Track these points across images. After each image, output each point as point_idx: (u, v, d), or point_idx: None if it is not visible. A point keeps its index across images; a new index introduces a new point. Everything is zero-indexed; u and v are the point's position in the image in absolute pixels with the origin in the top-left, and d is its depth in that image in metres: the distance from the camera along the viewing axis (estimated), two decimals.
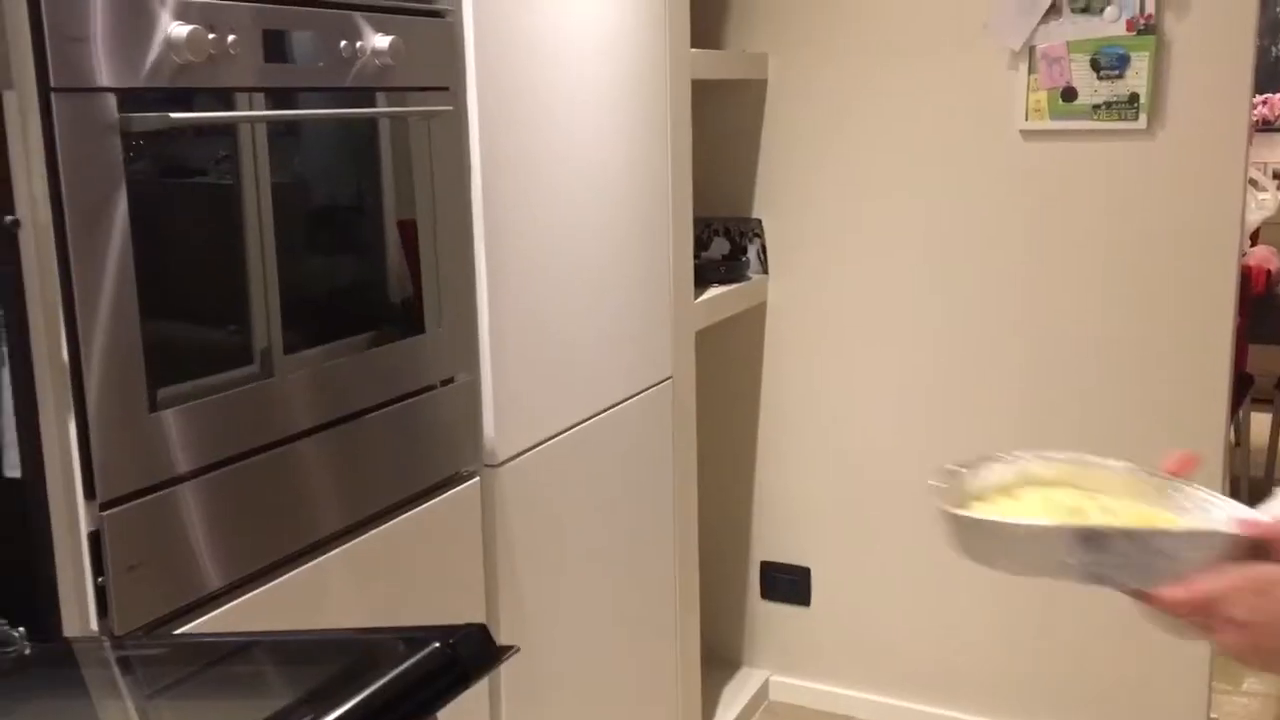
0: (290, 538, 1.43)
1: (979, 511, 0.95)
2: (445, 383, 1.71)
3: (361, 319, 1.58)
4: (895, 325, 2.67)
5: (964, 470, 1.01)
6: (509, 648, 0.92)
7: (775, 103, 2.70)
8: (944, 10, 2.51)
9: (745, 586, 2.95)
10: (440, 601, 1.71)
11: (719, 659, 2.96)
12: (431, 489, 1.69)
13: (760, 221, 2.76)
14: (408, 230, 1.63)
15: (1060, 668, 2.65)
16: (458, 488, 1.74)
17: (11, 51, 1.06)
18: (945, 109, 2.54)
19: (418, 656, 0.87)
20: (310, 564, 1.46)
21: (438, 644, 0.87)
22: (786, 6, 2.66)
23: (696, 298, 2.47)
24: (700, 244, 2.75)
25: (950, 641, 2.75)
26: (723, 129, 2.73)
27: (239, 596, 1.35)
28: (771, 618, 2.94)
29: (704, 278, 2.58)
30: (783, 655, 2.95)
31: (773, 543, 2.91)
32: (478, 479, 1.78)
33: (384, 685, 0.84)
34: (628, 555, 2.22)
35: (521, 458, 1.87)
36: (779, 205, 2.74)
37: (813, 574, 2.87)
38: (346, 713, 0.83)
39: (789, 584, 2.89)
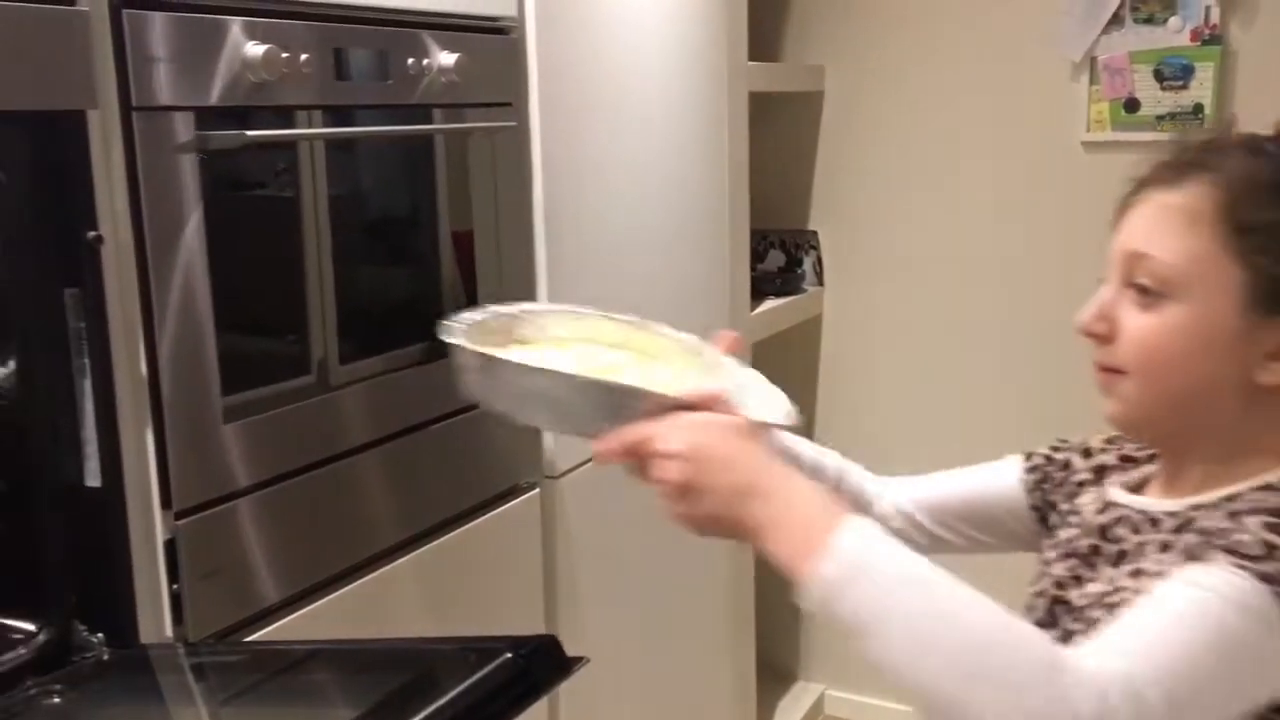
0: (354, 548, 1.45)
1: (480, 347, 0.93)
2: None
3: (420, 331, 1.60)
4: (954, 338, 2.65)
5: (525, 314, 1.01)
6: (579, 659, 0.93)
7: (832, 115, 2.70)
8: (1003, 21, 2.50)
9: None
10: (500, 612, 1.72)
11: (774, 672, 2.95)
12: (492, 500, 1.71)
13: (816, 234, 2.75)
14: (464, 242, 1.65)
15: None
16: (518, 499, 1.75)
17: (95, 72, 1.09)
18: (1005, 121, 2.52)
19: (489, 667, 0.88)
20: (374, 574, 1.48)
21: (509, 654, 0.89)
22: (843, 19, 2.65)
23: (752, 310, 2.47)
24: (756, 256, 2.75)
25: None
26: (779, 141, 2.73)
27: (306, 605, 1.37)
28: (827, 630, 2.91)
29: (759, 290, 2.58)
30: (838, 669, 2.93)
31: None
32: (538, 490, 1.79)
33: (456, 696, 0.86)
34: (684, 567, 2.22)
35: (581, 469, 1.88)
36: (835, 217, 2.73)
37: None
38: None
39: None
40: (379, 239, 1.58)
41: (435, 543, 1.59)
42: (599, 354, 1.00)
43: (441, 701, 0.85)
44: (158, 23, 1.15)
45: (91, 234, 1.10)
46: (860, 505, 1.12)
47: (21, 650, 1.12)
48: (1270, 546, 0.77)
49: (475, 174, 1.64)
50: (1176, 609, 0.77)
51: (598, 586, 1.94)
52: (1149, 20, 2.35)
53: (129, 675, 1.15)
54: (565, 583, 1.86)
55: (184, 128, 1.18)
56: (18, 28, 1.02)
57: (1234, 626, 0.75)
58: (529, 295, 1.75)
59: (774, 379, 1.00)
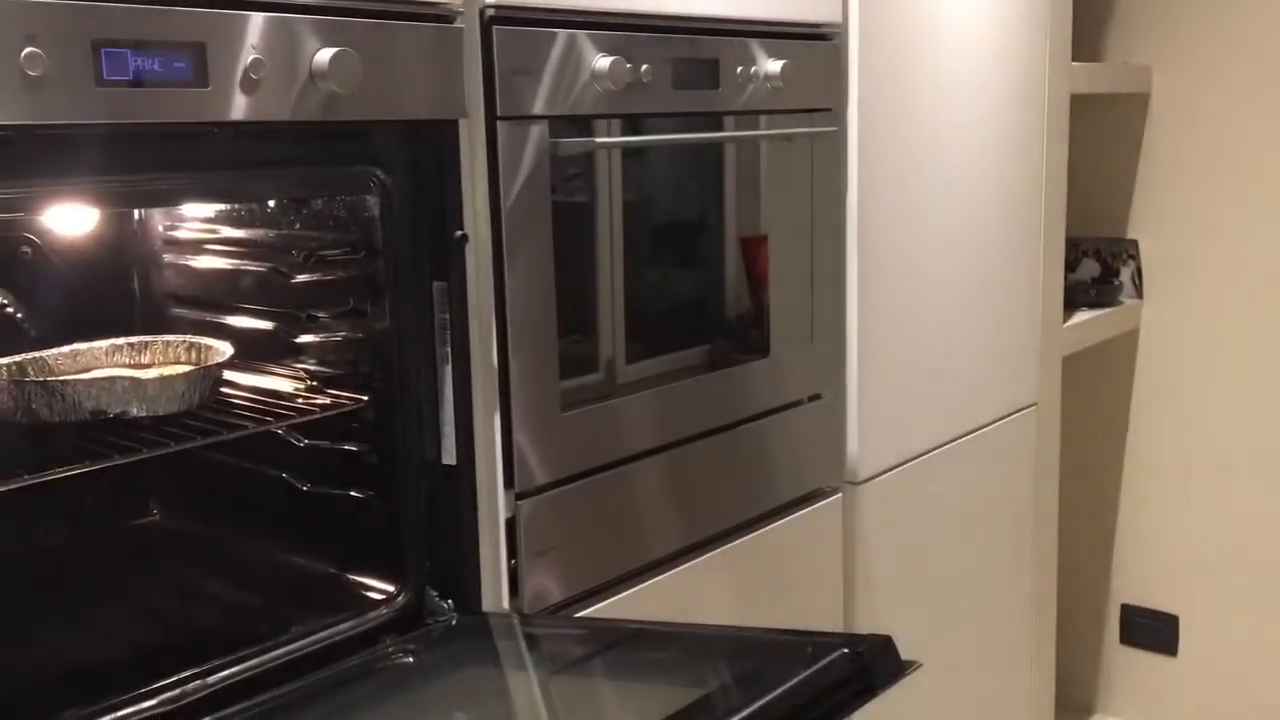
0: (664, 540, 1.51)
1: None
2: (812, 399, 1.74)
3: (743, 343, 1.64)
4: None
5: None
6: (912, 663, 0.92)
7: (1158, 117, 2.54)
8: None
9: (1102, 629, 2.78)
10: (799, 614, 1.74)
11: (1071, 702, 2.81)
12: (794, 503, 1.72)
13: (1136, 243, 2.60)
14: (778, 251, 1.67)
15: None
16: (820, 503, 1.76)
17: (467, 85, 1.19)
18: None
19: (826, 661, 0.89)
20: (684, 565, 1.53)
21: (845, 650, 0.90)
22: (1173, 17, 2.49)
23: (1064, 321, 2.37)
24: (1067, 265, 2.63)
25: None
26: (1097, 144, 2.59)
27: (624, 589, 1.44)
28: (1131, 664, 2.76)
29: (1071, 301, 2.47)
30: (1142, 706, 2.75)
31: (1136, 585, 2.73)
32: (839, 496, 1.79)
33: (796, 686, 0.87)
34: (982, 585, 2.16)
35: (884, 477, 1.86)
36: (1158, 226, 2.57)
37: (1181, 622, 2.66)
38: (760, 710, 0.86)
39: (1153, 630, 2.70)
40: (678, 242, 1.63)
41: (739, 540, 1.62)
42: None
43: (781, 690, 0.87)
44: (522, 38, 1.24)
45: (458, 233, 1.20)
46: None
47: (383, 610, 1.24)
48: None
49: (788, 178, 1.66)
50: None
51: (895, 596, 1.92)
52: None
53: (473, 640, 1.24)
54: (863, 589, 1.85)
55: (539, 135, 1.27)
56: (401, 44, 1.13)
57: None
58: (839, 300, 1.76)
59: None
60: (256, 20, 1.01)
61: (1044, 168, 2.19)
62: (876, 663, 0.89)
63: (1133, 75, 2.52)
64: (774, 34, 1.56)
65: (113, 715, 1.04)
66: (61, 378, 1.20)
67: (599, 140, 1.31)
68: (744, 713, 0.85)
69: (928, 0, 1.84)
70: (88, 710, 1.04)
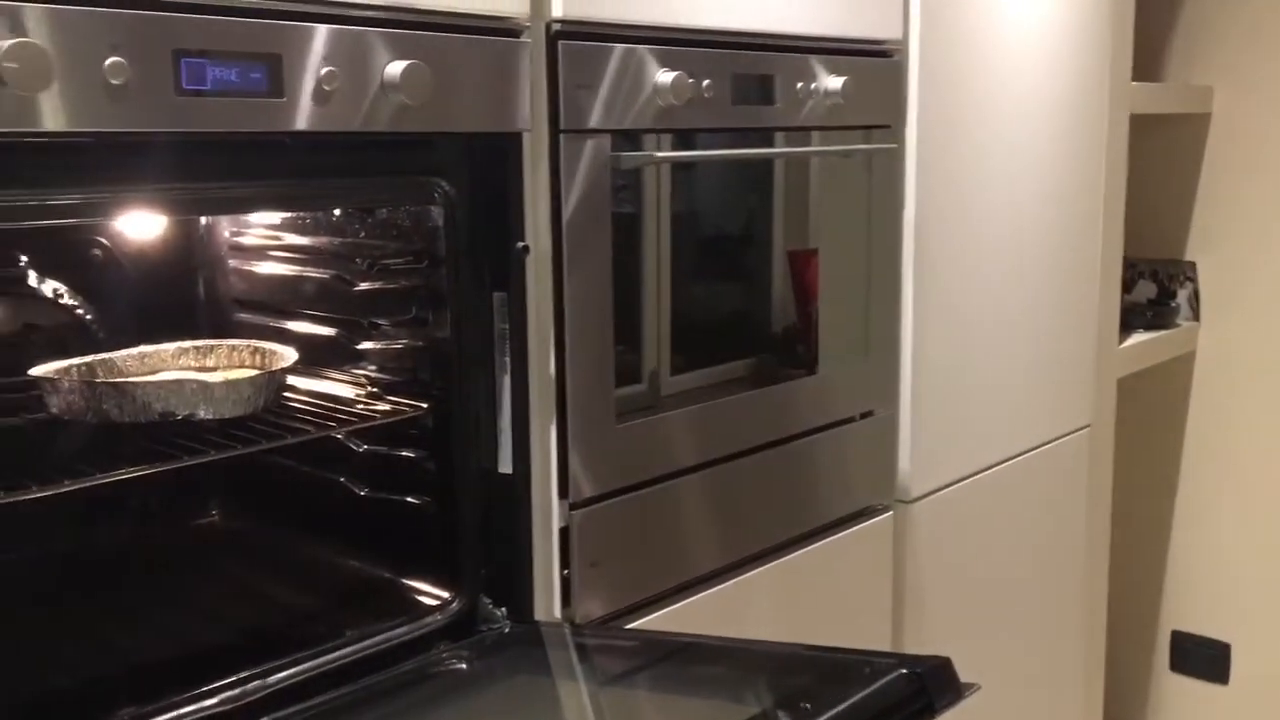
0: (715, 554, 1.51)
1: None
2: (864, 415, 1.73)
3: (791, 358, 1.64)
4: None
5: None
6: (971, 685, 0.92)
7: (1219, 139, 2.51)
8: None
9: (1152, 655, 2.74)
10: (847, 633, 1.73)
11: None
12: (844, 520, 1.71)
13: (1194, 265, 2.57)
14: (832, 267, 1.67)
15: None
16: (871, 521, 1.75)
17: (532, 98, 1.20)
18: None
19: (884, 680, 0.89)
20: (732, 581, 1.53)
21: (904, 670, 0.89)
22: (1235, 38, 2.46)
23: (1120, 343, 2.34)
24: (1124, 286, 2.60)
25: None
26: (1155, 165, 2.56)
27: (675, 602, 1.44)
28: (1181, 693, 2.71)
29: (1126, 322, 2.44)
30: None
31: (1187, 611, 2.68)
32: (891, 513, 1.78)
33: (853, 706, 0.87)
34: (1032, 608, 2.14)
35: (935, 495, 1.85)
36: (1217, 249, 2.54)
37: (1233, 650, 2.62)
38: None
39: (1204, 658, 2.65)
40: (730, 255, 1.63)
41: (788, 557, 1.62)
42: None
43: (839, 709, 0.86)
44: (587, 52, 1.25)
45: (520, 244, 1.21)
46: None
47: (437, 616, 1.25)
48: None
49: (845, 194, 1.66)
50: None
51: (944, 616, 1.90)
52: None
53: (525, 649, 1.24)
54: (913, 608, 1.83)
55: (600, 148, 1.28)
56: (469, 57, 1.14)
57: None
58: (893, 317, 1.75)
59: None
60: (330, 33, 1.02)
61: (1102, 187, 2.17)
62: (935, 684, 0.88)
63: (1193, 95, 2.49)
64: (835, 50, 1.56)
65: (173, 713, 1.05)
66: (133, 379, 1.23)
67: (660, 154, 1.32)
68: None
69: (988, 19, 1.83)
70: (148, 708, 1.06)
